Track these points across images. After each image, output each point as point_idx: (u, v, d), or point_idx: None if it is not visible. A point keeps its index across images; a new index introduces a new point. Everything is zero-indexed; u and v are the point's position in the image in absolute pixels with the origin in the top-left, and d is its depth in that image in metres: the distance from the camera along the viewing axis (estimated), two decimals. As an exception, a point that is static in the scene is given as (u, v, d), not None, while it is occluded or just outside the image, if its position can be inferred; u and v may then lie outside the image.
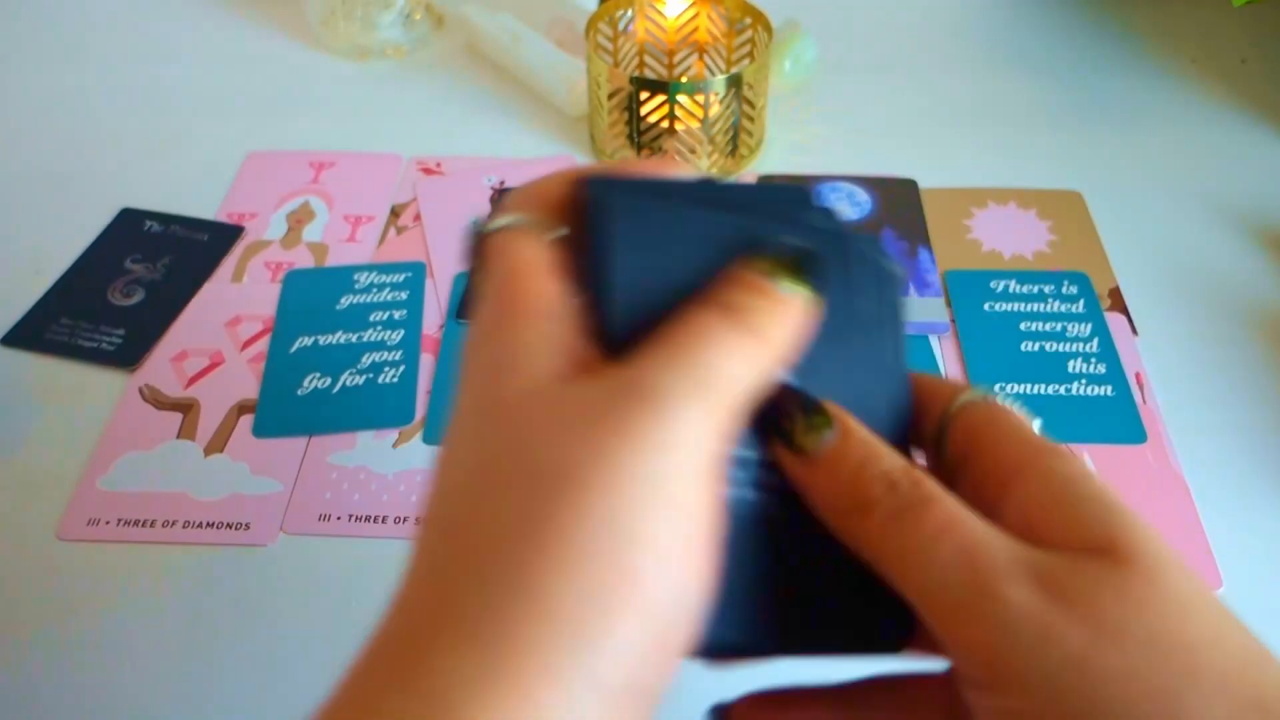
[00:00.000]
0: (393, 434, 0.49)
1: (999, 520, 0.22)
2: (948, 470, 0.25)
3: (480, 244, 0.24)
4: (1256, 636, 0.21)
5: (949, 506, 0.22)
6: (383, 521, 0.46)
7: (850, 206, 0.61)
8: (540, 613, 0.18)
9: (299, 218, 0.61)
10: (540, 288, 0.23)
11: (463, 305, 0.55)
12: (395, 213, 0.62)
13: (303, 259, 0.59)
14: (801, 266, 0.23)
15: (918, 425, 0.26)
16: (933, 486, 0.22)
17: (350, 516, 0.46)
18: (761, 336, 0.22)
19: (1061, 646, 0.20)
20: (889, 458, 0.23)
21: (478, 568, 0.19)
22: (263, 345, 0.53)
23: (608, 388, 0.21)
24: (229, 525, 0.45)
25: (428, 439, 0.49)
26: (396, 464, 0.48)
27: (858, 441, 0.23)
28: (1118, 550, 0.21)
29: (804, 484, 0.23)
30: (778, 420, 0.23)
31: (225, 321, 0.55)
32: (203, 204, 0.62)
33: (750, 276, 0.23)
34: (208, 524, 0.46)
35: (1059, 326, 0.53)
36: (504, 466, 0.20)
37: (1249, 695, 0.19)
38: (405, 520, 0.46)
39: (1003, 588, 0.20)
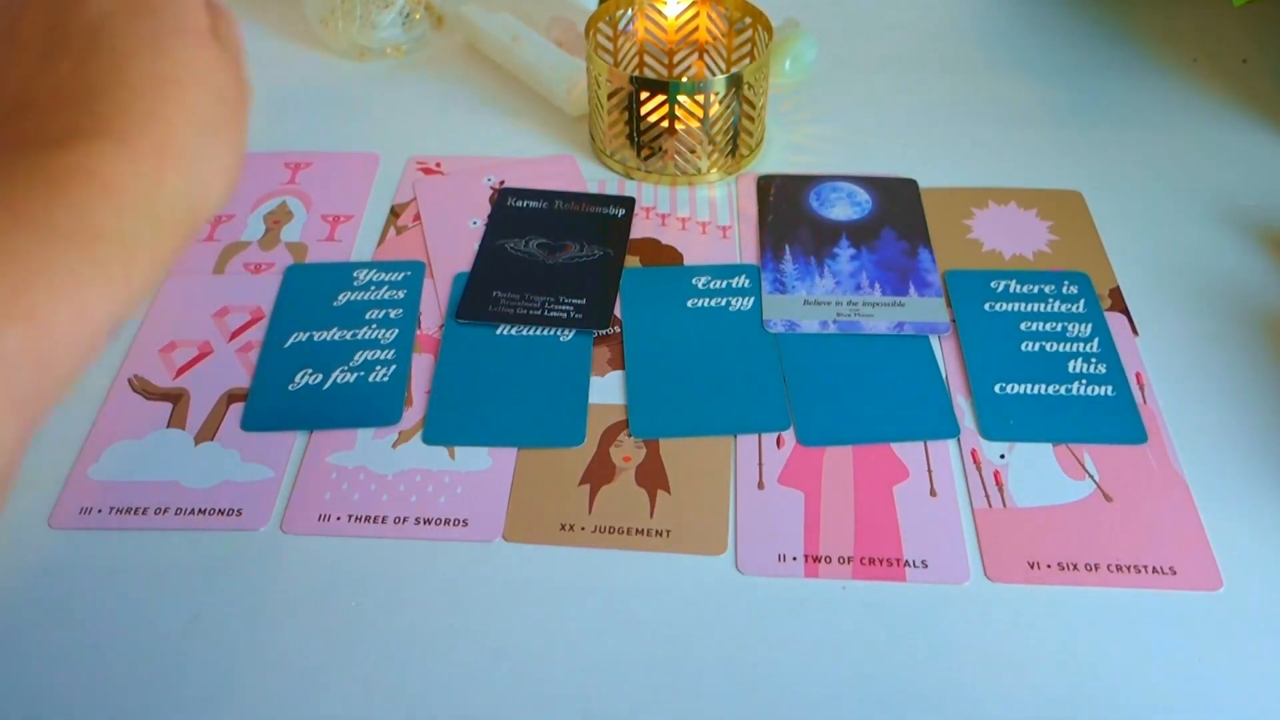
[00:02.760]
0: (393, 434, 0.49)
1: None
2: None
3: None
4: None
5: None
6: (382, 522, 0.46)
7: (850, 206, 0.61)
8: None
9: (276, 218, 0.61)
10: None
11: (462, 306, 0.55)
12: (395, 213, 0.62)
13: (282, 260, 0.58)
14: None
15: None
16: None
17: (350, 517, 0.46)
18: None
19: None
20: None
21: None
22: (251, 335, 0.54)
23: None
24: (220, 512, 0.46)
25: (428, 439, 0.49)
26: (396, 465, 0.48)
27: None
28: None
29: None
30: None
31: (212, 313, 0.55)
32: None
33: None
34: (199, 510, 0.46)
35: (1059, 326, 0.53)
36: None
37: None
38: (405, 520, 0.46)
39: None
